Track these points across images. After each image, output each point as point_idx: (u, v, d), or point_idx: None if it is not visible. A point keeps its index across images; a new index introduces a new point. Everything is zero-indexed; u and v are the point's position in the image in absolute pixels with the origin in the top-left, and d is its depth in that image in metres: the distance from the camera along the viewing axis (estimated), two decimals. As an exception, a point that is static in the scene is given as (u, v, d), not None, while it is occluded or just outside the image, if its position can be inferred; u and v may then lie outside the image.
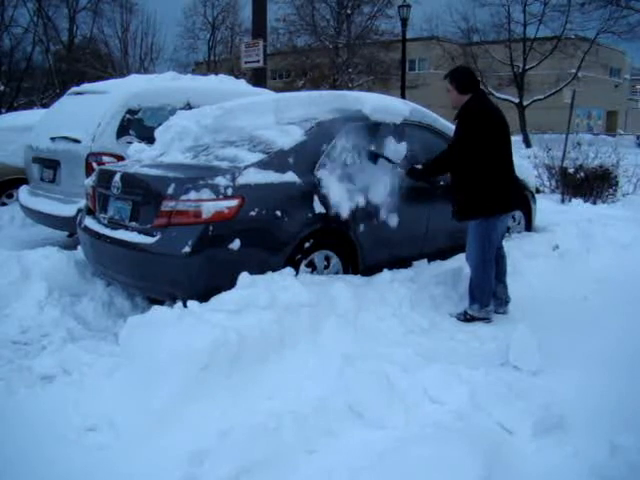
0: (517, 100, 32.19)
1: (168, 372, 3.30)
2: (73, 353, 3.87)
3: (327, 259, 4.89)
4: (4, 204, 8.75)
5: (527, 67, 32.01)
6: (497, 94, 33.01)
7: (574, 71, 31.22)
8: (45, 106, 18.96)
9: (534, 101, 31.89)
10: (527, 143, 29.34)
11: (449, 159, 4.80)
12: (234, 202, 4.27)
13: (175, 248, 4.19)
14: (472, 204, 4.67)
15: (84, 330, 4.58)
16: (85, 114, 6.60)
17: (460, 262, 5.62)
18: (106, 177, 4.92)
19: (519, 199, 4.69)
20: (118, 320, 4.76)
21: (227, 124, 5.09)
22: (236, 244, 4.26)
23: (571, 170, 10.94)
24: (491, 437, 3.07)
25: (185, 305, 3.96)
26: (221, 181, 4.29)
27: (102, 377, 3.50)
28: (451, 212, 4.88)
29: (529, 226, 7.12)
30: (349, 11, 33.77)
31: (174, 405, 3.21)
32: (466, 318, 4.76)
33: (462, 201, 4.74)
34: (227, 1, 44.41)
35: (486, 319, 4.78)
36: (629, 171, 11.31)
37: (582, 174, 10.79)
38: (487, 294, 4.77)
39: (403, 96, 21.40)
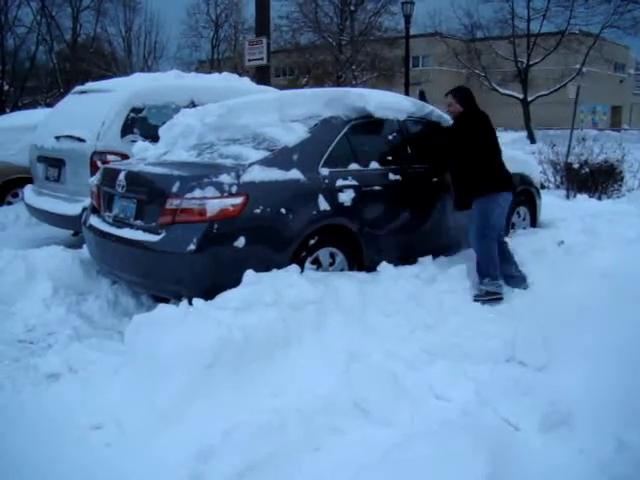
0: (521, 96, 32.10)
1: (173, 370, 3.31)
2: (79, 351, 3.88)
3: (332, 256, 4.88)
4: (9, 203, 8.77)
5: (531, 63, 31.88)
6: (501, 90, 32.95)
7: (578, 66, 31.11)
8: (49, 105, 19.00)
9: (538, 97, 31.81)
10: (531, 139, 29.28)
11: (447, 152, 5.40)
12: (239, 200, 4.27)
13: (180, 246, 4.19)
14: (472, 189, 5.21)
15: (90, 328, 4.59)
16: (89, 113, 6.60)
17: (465, 258, 5.62)
18: (111, 176, 4.93)
19: (509, 183, 5.36)
20: (123, 318, 4.76)
21: (231, 122, 5.09)
22: (241, 242, 4.26)
23: (576, 166, 10.91)
24: (497, 433, 3.07)
25: (190, 303, 3.95)
26: (226, 179, 4.28)
27: (108, 375, 3.52)
28: (455, 204, 5.44)
29: (534, 222, 7.12)
30: (352, 8, 33.77)
31: (179, 403, 3.22)
32: (481, 294, 4.95)
33: (463, 189, 5.29)
34: (230, -1, 44.43)
35: (497, 294, 4.99)
36: (634, 166, 11.27)
37: (587, 169, 10.77)
38: (493, 266, 5.11)
39: (407, 93, 21.37)
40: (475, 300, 4.88)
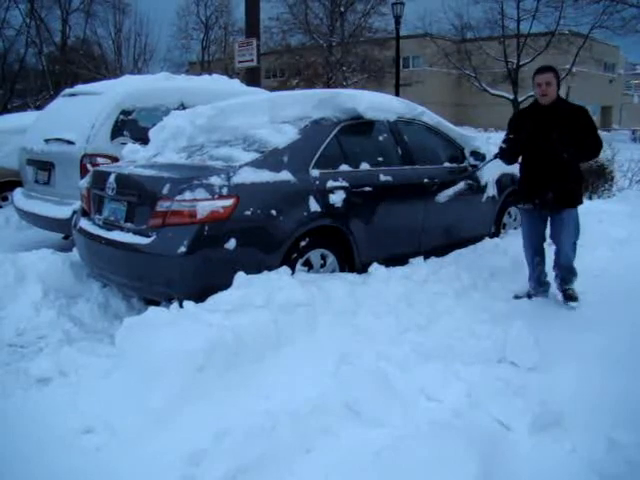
0: (512, 96, 32.19)
1: (165, 373, 3.30)
2: (69, 355, 3.86)
3: (323, 257, 4.88)
4: (-1, 207, 8.74)
5: (521, 63, 31.96)
6: (491, 90, 33.06)
7: (568, 67, 31.20)
8: (39, 108, 18.91)
9: (529, 97, 31.89)
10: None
11: (593, 150, 4.90)
12: (229, 202, 4.26)
13: (170, 248, 4.18)
14: (580, 191, 5.05)
15: (80, 332, 4.57)
16: (79, 115, 6.58)
17: (456, 259, 5.63)
18: (101, 178, 4.91)
19: None
20: (114, 321, 4.75)
21: (221, 124, 5.08)
22: (232, 244, 4.25)
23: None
24: (488, 434, 3.07)
25: (181, 305, 3.95)
26: (216, 181, 4.28)
27: (99, 379, 3.51)
28: (561, 200, 4.89)
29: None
30: (342, 9, 33.76)
31: (171, 406, 3.21)
32: (576, 295, 5.03)
33: (578, 190, 5.00)
34: (220, 1, 44.37)
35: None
36: (624, 166, 11.32)
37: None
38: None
39: (397, 94, 21.39)
40: (573, 302, 4.97)
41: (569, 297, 5.02)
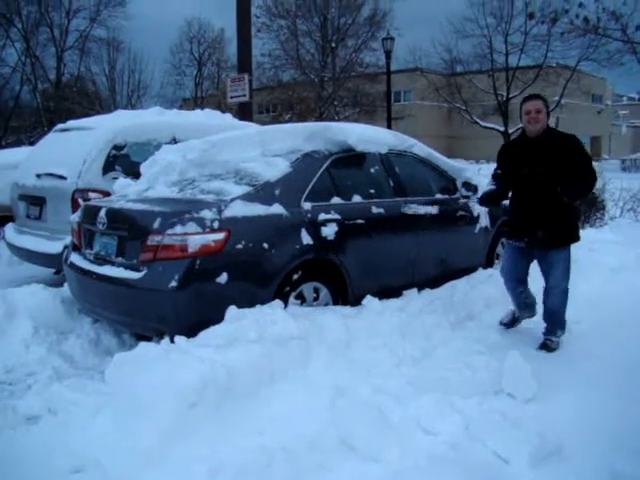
0: (502, 128, 32.56)
1: (156, 409, 3.24)
2: (59, 392, 3.79)
3: (316, 290, 4.85)
4: (-9, 242, 8.69)
5: (511, 96, 32.42)
6: (482, 123, 33.45)
7: (557, 98, 31.60)
8: (33, 144, 18.96)
9: (519, 129, 32.26)
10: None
11: (587, 184, 4.65)
12: (221, 235, 4.24)
13: (162, 283, 4.14)
14: (576, 229, 4.78)
15: (70, 368, 4.51)
16: (71, 150, 6.58)
17: (450, 291, 5.60)
18: (92, 213, 4.88)
19: None
20: (105, 358, 4.68)
21: (213, 158, 5.07)
22: (223, 278, 4.22)
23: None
24: (487, 467, 3.03)
25: (172, 341, 3.90)
26: (207, 214, 4.26)
27: (89, 416, 3.44)
28: (553, 237, 4.66)
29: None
30: (333, 45, 34.24)
31: (163, 443, 3.15)
32: (555, 347, 4.76)
33: (572, 226, 4.75)
34: (213, 37, 44.98)
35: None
36: (615, 195, 11.39)
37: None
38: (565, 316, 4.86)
39: (389, 127, 21.55)
40: (548, 351, 4.69)
41: (545, 346, 4.74)
